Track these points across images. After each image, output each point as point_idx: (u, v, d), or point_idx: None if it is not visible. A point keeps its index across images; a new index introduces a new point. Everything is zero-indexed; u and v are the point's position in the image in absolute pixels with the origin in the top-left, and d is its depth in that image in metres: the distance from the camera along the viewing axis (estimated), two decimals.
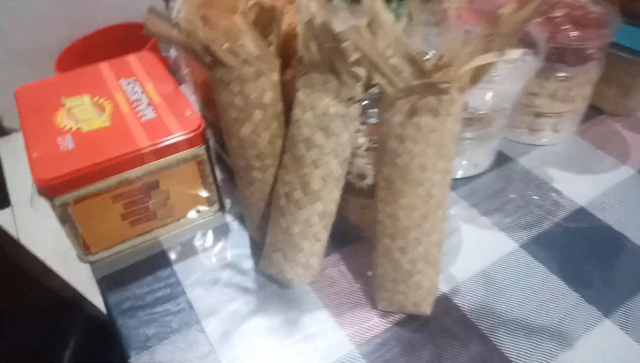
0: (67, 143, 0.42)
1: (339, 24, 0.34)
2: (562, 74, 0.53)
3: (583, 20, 0.52)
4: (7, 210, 0.58)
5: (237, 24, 0.35)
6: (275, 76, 0.38)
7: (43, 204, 0.41)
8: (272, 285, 0.44)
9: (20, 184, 0.63)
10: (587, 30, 0.51)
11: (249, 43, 0.35)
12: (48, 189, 0.40)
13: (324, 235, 0.41)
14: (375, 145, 0.44)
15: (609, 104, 0.62)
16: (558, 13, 0.53)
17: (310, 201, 0.38)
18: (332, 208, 0.40)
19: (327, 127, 0.36)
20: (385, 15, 0.33)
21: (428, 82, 0.32)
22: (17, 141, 0.72)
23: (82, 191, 0.41)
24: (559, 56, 0.51)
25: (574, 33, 0.51)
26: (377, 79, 0.34)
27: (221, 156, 0.55)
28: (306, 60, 0.36)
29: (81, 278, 0.47)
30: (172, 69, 0.55)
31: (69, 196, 0.40)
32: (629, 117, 0.63)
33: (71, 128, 0.44)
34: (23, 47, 0.76)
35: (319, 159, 0.37)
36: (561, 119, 0.57)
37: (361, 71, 0.35)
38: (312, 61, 0.35)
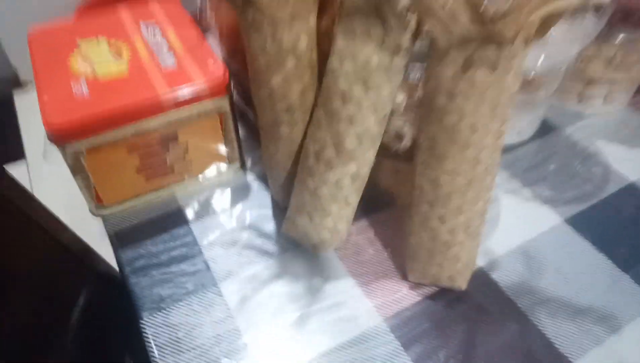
0: (81, 88, 0.39)
1: None
2: (622, 38, 0.48)
3: None
4: (21, 163, 0.56)
5: None
6: (312, 20, 0.34)
7: (56, 156, 0.38)
8: (294, 249, 0.42)
9: (35, 137, 0.61)
10: None
11: None
12: (59, 136, 0.37)
13: (354, 199, 0.37)
14: (416, 104, 0.40)
15: None
16: None
17: (342, 161, 0.35)
18: (365, 170, 0.36)
19: (368, 79, 0.32)
20: None
21: (489, 30, 0.28)
22: (33, 94, 0.69)
23: (96, 140, 0.38)
24: (623, 17, 0.46)
25: None
26: (430, 25, 0.30)
27: (243, 112, 0.52)
28: (347, 3, 0.32)
29: (93, 235, 0.45)
30: (197, 18, 0.51)
31: (82, 144, 0.37)
32: None
33: (86, 73, 0.40)
34: None
35: (356, 115, 0.33)
36: (615, 88, 0.52)
37: (411, 17, 0.31)
38: (355, 3, 0.31)
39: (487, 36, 0.28)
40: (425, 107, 0.33)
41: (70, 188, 0.42)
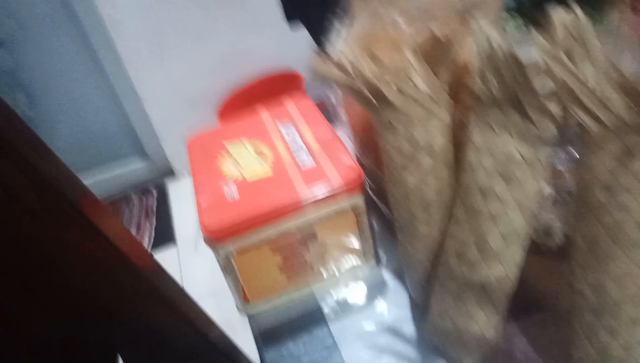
0: (232, 192, 0.43)
1: (525, 52, 0.29)
2: None
3: None
4: (171, 248, 0.62)
5: (406, 58, 0.32)
6: (447, 117, 0.34)
7: (206, 248, 0.42)
8: (438, 358, 0.39)
9: (186, 227, 0.67)
10: None
11: (420, 80, 0.32)
12: (214, 239, 0.40)
13: (503, 305, 0.34)
14: (566, 196, 0.37)
15: None
16: None
17: (487, 263, 0.33)
18: (514, 272, 0.33)
19: (510, 174, 0.31)
20: (591, 36, 0.27)
21: None
22: (185, 182, 0.78)
23: (245, 241, 0.41)
24: None
25: None
26: (578, 114, 0.28)
27: (376, 204, 0.52)
28: (484, 96, 0.31)
29: (235, 332, 0.47)
30: (329, 114, 0.55)
31: (233, 245, 0.40)
32: None
33: (236, 176, 0.45)
34: (189, 97, 0.85)
35: (499, 213, 0.31)
36: None
37: (555, 107, 0.29)
38: (492, 96, 0.31)
39: None
40: (580, 203, 0.30)
41: (217, 283, 0.45)
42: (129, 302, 0.29)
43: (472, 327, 0.34)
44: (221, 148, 0.49)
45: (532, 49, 0.30)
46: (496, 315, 0.34)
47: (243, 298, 0.44)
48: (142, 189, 0.76)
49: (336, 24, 0.45)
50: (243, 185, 0.43)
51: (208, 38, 0.82)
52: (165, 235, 0.63)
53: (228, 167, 0.46)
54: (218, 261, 0.41)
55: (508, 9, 0.45)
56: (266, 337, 0.43)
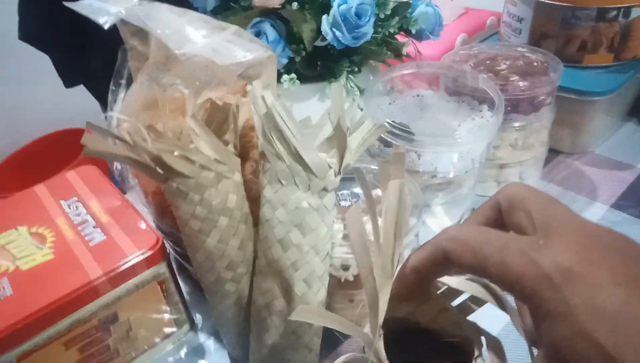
0: (3, 289, 0.36)
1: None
2: (518, 124, 0.53)
3: (527, 69, 0.53)
4: None
5: (188, 126, 0.32)
6: (237, 176, 0.34)
7: None
8: None
9: None
10: (533, 78, 0.51)
11: (204, 146, 0.32)
12: None
13: (316, 343, 0.36)
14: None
15: (566, 144, 0.63)
16: (502, 66, 0.54)
17: (294, 308, 0.34)
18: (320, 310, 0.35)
19: (303, 222, 0.33)
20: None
21: None
22: None
23: (26, 345, 0.35)
24: (513, 107, 0.51)
25: (522, 83, 0.51)
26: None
27: (182, 266, 0.50)
28: (268, 153, 0.33)
29: None
30: (117, 179, 0.51)
31: (11, 355, 0.34)
32: (585, 154, 0.63)
33: (7, 269, 0.38)
34: None
35: (299, 260, 0.33)
36: (525, 166, 0.57)
37: (333, 155, 0.32)
38: (275, 152, 0.32)
39: None
40: None
41: None
42: None
43: None
44: None
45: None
46: (311, 354, 0.36)
47: None
48: None
49: (117, 91, 0.42)
50: (16, 276, 0.37)
51: None
52: None
53: None
54: None
55: (282, 67, 0.50)
56: None
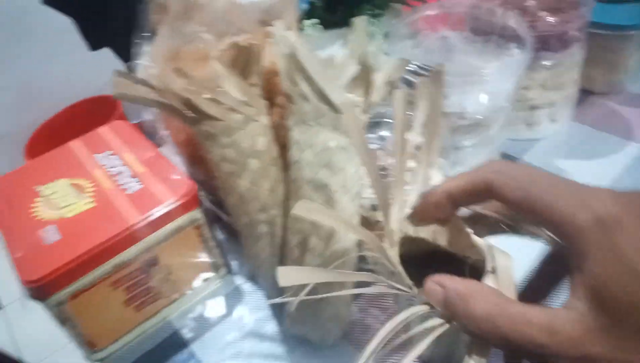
0: (51, 235, 0.38)
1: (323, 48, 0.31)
2: (548, 62, 0.51)
3: (557, 4, 0.51)
4: None
5: (214, 70, 0.32)
6: (264, 119, 0.35)
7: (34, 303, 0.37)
8: (303, 346, 0.40)
9: (3, 286, 0.58)
10: (563, 14, 0.50)
11: (232, 88, 0.33)
12: (39, 291, 0.36)
13: (350, 281, 0.37)
14: (383, 172, 0.41)
15: (598, 83, 0.61)
16: (530, 2, 0.52)
17: (327, 246, 0.35)
18: (352, 250, 0.36)
19: (331, 162, 0.33)
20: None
21: None
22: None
23: (77, 285, 0.37)
24: (542, 44, 0.50)
25: (552, 19, 0.49)
26: None
27: (218, 215, 0.52)
28: (294, 95, 0.33)
29: None
30: (149, 134, 0.52)
31: (63, 294, 0.36)
32: (620, 93, 0.62)
33: (52, 217, 0.40)
34: None
35: (329, 200, 0.34)
36: (556, 107, 0.55)
37: (358, 94, 0.33)
38: (301, 94, 0.33)
39: None
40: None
41: (58, 339, 0.40)
42: None
43: (325, 309, 0.37)
44: (29, 190, 0.44)
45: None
46: (344, 291, 0.37)
47: (89, 346, 0.40)
48: None
49: (142, 44, 0.43)
50: (63, 223, 0.39)
51: None
52: None
53: (41, 209, 0.41)
54: (50, 313, 0.37)
55: (304, 13, 0.49)
56: None
